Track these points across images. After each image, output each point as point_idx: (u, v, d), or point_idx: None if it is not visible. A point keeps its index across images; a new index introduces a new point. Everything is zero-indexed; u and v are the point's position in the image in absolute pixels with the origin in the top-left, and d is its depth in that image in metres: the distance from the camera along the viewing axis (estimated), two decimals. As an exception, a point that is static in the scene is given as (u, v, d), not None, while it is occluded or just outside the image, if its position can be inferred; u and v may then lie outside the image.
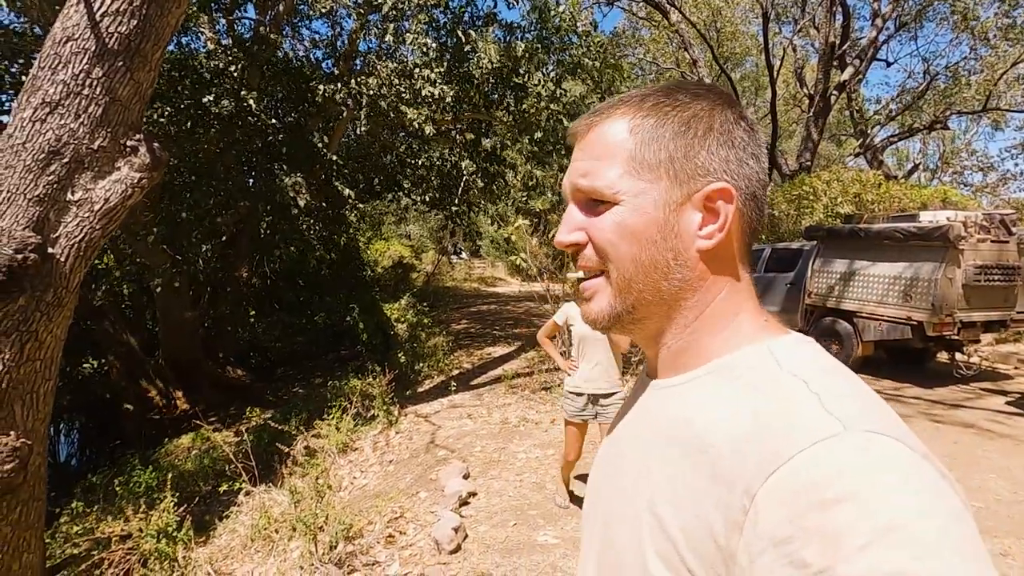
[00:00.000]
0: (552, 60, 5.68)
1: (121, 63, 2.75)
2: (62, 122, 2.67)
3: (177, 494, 3.48)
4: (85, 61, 2.67)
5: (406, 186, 9.50)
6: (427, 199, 8.56)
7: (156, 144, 3.00)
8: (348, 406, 4.92)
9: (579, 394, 3.10)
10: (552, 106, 5.93)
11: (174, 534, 2.72)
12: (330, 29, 8.06)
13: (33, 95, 2.67)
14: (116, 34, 2.70)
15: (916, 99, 16.72)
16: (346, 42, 7.63)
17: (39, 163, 2.63)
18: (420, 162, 8.38)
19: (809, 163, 13.70)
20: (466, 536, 2.90)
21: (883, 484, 0.41)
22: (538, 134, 5.67)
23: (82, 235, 2.78)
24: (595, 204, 0.59)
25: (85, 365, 7.61)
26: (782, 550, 0.41)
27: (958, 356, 6.90)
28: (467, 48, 5.39)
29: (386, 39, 5.39)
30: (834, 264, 6.89)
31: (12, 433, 2.67)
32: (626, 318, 0.60)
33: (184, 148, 5.35)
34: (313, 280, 7.57)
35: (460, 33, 5.33)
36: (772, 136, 14.50)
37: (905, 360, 7.18)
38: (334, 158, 6.17)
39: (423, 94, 5.20)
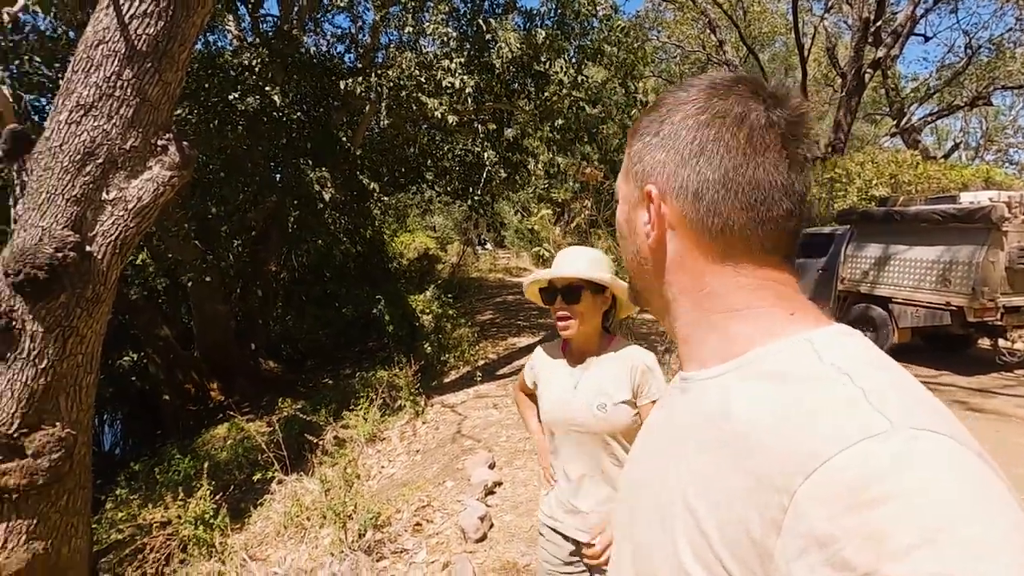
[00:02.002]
0: (573, 46, 5.62)
1: (150, 64, 2.81)
2: (96, 124, 2.75)
3: (213, 482, 3.61)
4: (116, 63, 2.74)
5: (429, 178, 9.55)
6: (449, 190, 8.60)
7: (185, 143, 3.07)
8: (375, 397, 5.00)
9: (555, 531, 1.63)
10: (575, 93, 5.86)
11: (211, 521, 2.83)
12: (351, 23, 8.13)
13: (68, 98, 2.75)
14: (144, 36, 2.76)
15: (957, 75, 16.00)
16: (368, 35, 7.68)
17: (75, 164, 2.72)
18: (443, 153, 8.41)
19: (842, 145, 13.28)
20: (492, 525, 2.93)
21: (930, 483, 0.39)
22: (559, 121, 5.63)
23: (117, 233, 2.86)
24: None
25: (125, 358, 7.90)
26: (824, 551, 0.40)
27: (1001, 343, 6.65)
28: (487, 37, 5.36)
29: (406, 30, 5.40)
30: (868, 248, 6.68)
31: (58, 424, 2.80)
32: (639, 300, 0.69)
33: (213, 145, 5.48)
34: (339, 273, 7.70)
35: (480, 22, 5.30)
36: (802, 117, 14.08)
37: (943, 347, 6.95)
38: (358, 152, 6.23)
39: (444, 84, 5.20)
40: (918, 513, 0.38)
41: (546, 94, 5.63)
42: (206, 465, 3.83)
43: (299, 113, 6.07)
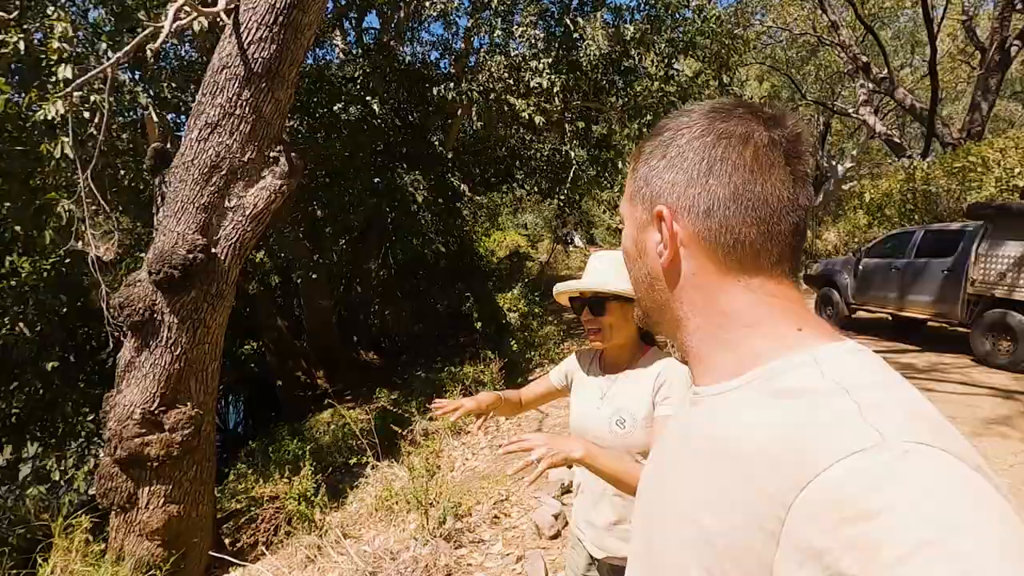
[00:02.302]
0: (664, 40, 5.46)
1: (264, 84, 3.12)
2: (220, 140, 3.10)
3: (315, 464, 3.94)
4: (236, 85, 3.07)
5: (519, 177, 9.72)
6: (538, 189, 8.69)
7: (293, 153, 3.37)
8: (462, 391, 5.19)
9: (579, 540, 1.58)
10: (665, 87, 5.70)
11: (312, 499, 3.12)
12: (444, 30, 8.44)
13: (198, 118, 3.13)
14: (260, 59, 3.07)
15: None
16: (461, 42, 7.94)
17: (204, 176, 3.09)
18: (532, 153, 8.51)
19: (980, 128, 11.75)
20: (566, 523, 2.96)
21: (922, 496, 0.40)
22: (648, 117, 5.50)
23: (237, 236, 3.21)
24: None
25: (245, 347, 8.76)
26: (820, 562, 0.41)
27: None
28: (575, 36, 5.36)
29: (496, 34, 5.53)
30: (1005, 247, 5.88)
31: (188, 404, 3.20)
32: (647, 321, 0.69)
33: (319, 154, 5.95)
34: (431, 271, 8.05)
35: (568, 21, 5.31)
36: (932, 100, 12.63)
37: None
38: (449, 154, 6.48)
39: (532, 85, 5.27)
40: (910, 525, 0.38)
41: (635, 90, 5.53)
42: (308, 448, 4.19)
43: (396, 120, 6.43)
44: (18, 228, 3.56)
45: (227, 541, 3.63)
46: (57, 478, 5.17)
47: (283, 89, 3.26)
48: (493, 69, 5.56)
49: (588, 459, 1.18)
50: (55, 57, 2.67)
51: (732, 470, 0.51)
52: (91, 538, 3.28)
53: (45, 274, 5.25)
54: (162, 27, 2.65)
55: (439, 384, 5.80)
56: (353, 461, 3.80)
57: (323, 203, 6.15)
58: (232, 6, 3.03)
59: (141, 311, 3.05)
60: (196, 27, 3.15)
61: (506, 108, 5.56)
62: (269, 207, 3.31)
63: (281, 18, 3.06)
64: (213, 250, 3.15)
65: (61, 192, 3.10)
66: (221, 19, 3.04)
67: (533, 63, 5.34)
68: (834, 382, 0.50)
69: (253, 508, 3.54)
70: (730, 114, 0.61)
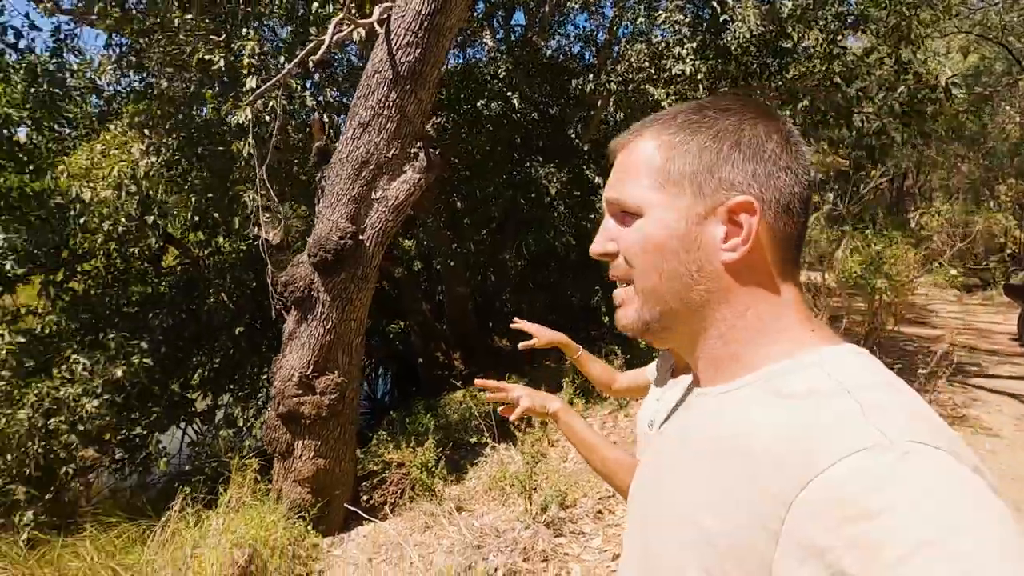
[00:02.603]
0: (829, 14, 4.86)
1: (408, 86, 3.39)
2: (370, 138, 3.44)
3: (443, 438, 4.24)
4: (385, 88, 3.38)
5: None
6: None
7: (431, 149, 3.63)
8: (576, 387, 5.21)
9: None
10: (832, 66, 5.10)
11: (432, 469, 3.38)
12: (588, 21, 8.40)
13: (353, 119, 3.50)
14: (406, 63, 3.34)
15: None
16: (605, 32, 7.84)
17: (355, 170, 3.45)
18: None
19: None
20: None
21: (923, 496, 0.40)
22: (805, 102, 4.95)
23: (381, 225, 3.55)
24: (625, 216, 0.62)
25: (393, 325, 9.62)
26: (821, 560, 0.41)
27: None
28: (723, 18, 5.02)
29: (638, 21, 5.38)
30: None
31: (336, 372, 3.63)
32: (654, 326, 0.62)
33: (462, 148, 6.31)
34: (562, 263, 8.13)
35: (715, 3, 4.99)
36: None
37: None
38: (585, 147, 6.48)
39: (674, 72, 5.05)
40: (911, 525, 0.39)
41: (791, 73, 5.01)
42: (437, 423, 4.51)
43: (534, 113, 6.58)
44: (216, 215, 4.32)
45: (364, 498, 4.06)
46: (241, 424, 6.18)
47: (425, 89, 3.51)
48: (633, 58, 5.42)
49: (562, 414, 1.20)
50: (245, 71, 3.19)
51: (738, 468, 0.51)
52: (259, 478, 3.87)
53: (241, 253, 6.27)
54: (325, 40, 3.00)
55: (562, 375, 5.87)
56: (475, 440, 4.03)
57: (463, 195, 6.52)
58: (385, 16, 3.32)
59: (302, 288, 3.51)
60: (356, 37, 3.50)
61: (648, 98, 5.39)
62: (409, 199, 3.60)
63: (426, 23, 3.30)
64: (360, 237, 3.51)
65: (248, 185, 3.69)
66: (375, 29, 3.35)
67: (676, 49, 5.11)
68: (838, 383, 0.50)
69: (385, 471, 3.93)
70: (767, 109, 0.61)
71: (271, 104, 3.30)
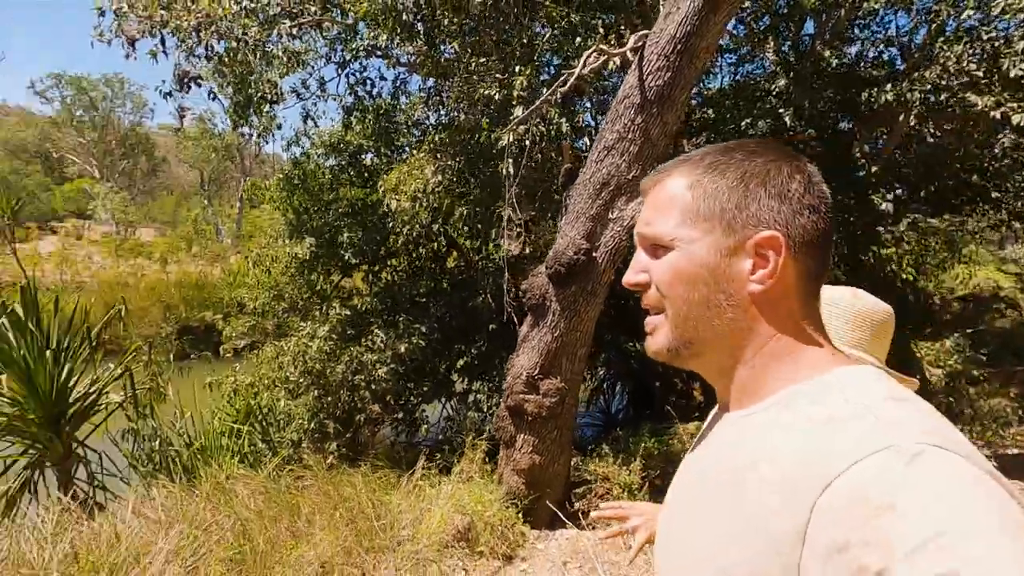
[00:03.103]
0: None
1: (655, 109, 3.44)
2: (612, 160, 3.60)
3: (650, 462, 4.14)
4: (632, 112, 3.50)
5: (996, 197, 7.32)
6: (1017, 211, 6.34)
7: (672, 172, 3.60)
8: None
9: None
10: None
11: (636, 492, 3.34)
12: (893, 20, 7.07)
13: (599, 142, 3.71)
14: (655, 87, 3.40)
15: None
16: (927, 29, 6.51)
17: (595, 191, 3.65)
18: (1011, 164, 6.28)
19: None
20: None
21: (938, 492, 0.42)
22: None
23: (614, 244, 3.67)
24: (656, 249, 0.67)
25: (629, 344, 9.65)
26: (842, 557, 0.44)
27: None
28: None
29: (964, 16, 4.31)
30: None
31: (558, 377, 3.88)
32: (684, 352, 0.66)
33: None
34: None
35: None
36: None
37: None
38: (874, 169, 5.48)
39: (1010, 75, 3.94)
40: (927, 518, 0.41)
41: None
42: (655, 449, 4.41)
43: (810, 130, 5.86)
44: (479, 226, 5.03)
45: (574, 503, 4.23)
46: (484, 410, 7.01)
47: (672, 112, 3.51)
48: (952, 61, 4.40)
49: None
50: (515, 102, 3.69)
51: (756, 494, 0.53)
52: (487, 459, 4.35)
53: (501, 260, 7.15)
54: (582, 69, 3.27)
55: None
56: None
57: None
58: (639, 44, 3.45)
59: (537, 297, 3.85)
60: (611, 65, 3.70)
61: (958, 109, 4.32)
62: (644, 220, 3.63)
63: (679, 46, 3.31)
64: (594, 254, 3.69)
65: (507, 202, 4.22)
66: (628, 57, 3.50)
67: (1020, 45, 3.98)
68: (856, 403, 0.53)
69: (595, 483, 4.03)
70: (784, 149, 0.64)
71: (531, 130, 3.73)
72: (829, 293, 1.20)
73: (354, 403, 5.69)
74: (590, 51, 3.15)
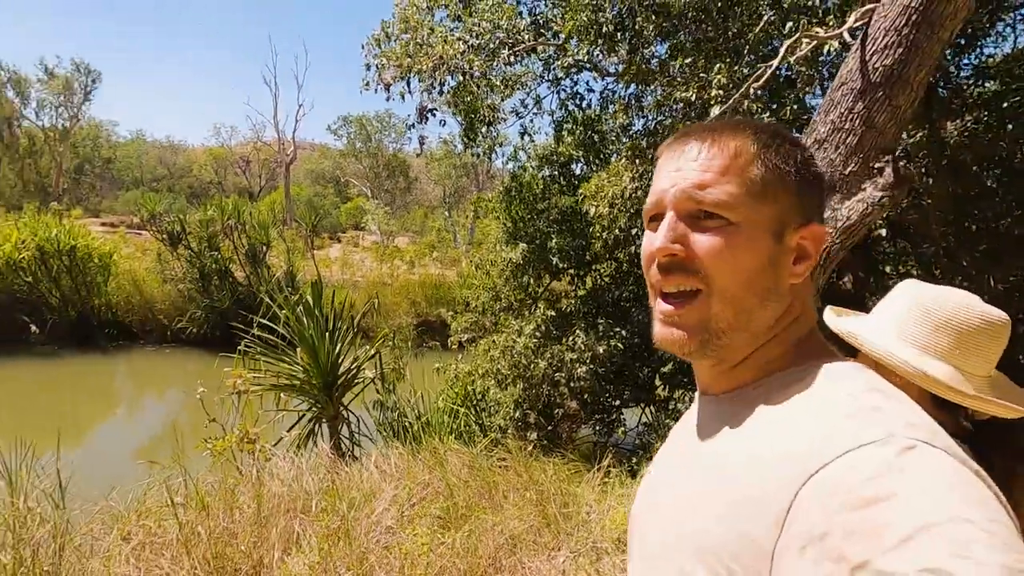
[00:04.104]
0: None
1: (881, 93, 3.02)
2: (824, 155, 3.25)
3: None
4: (850, 100, 3.12)
5: None
6: None
7: (902, 163, 3.11)
8: None
9: None
10: None
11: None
12: None
13: (809, 136, 3.37)
14: (880, 68, 2.99)
15: None
16: None
17: (803, 190, 3.33)
18: None
19: None
20: None
21: (922, 485, 0.42)
22: None
23: (826, 245, 3.31)
24: (703, 218, 0.59)
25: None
26: (822, 545, 0.43)
27: None
28: None
29: None
30: None
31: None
32: (714, 343, 0.60)
33: (996, 156, 4.82)
34: None
35: None
36: None
37: None
38: None
39: None
40: (910, 511, 0.41)
41: None
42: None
43: None
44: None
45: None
46: (686, 421, 6.77)
47: (905, 93, 3.05)
48: None
49: None
50: (712, 102, 3.56)
51: (744, 478, 0.53)
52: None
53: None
54: (785, 58, 3.04)
55: None
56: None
57: (986, 216, 4.98)
58: (859, 23, 3.08)
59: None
60: (828, 48, 3.37)
61: None
62: (864, 220, 3.21)
63: (914, 17, 2.87)
64: (798, 258, 3.37)
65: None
66: (846, 39, 3.15)
67: None
68: (843, 390, 0.54)
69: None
70: (802, 141, 0.68)
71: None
72: (918, 290, 1.11)
73: (553, 398, 6.05)
74: (793, 38, 2.91)
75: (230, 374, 4.99)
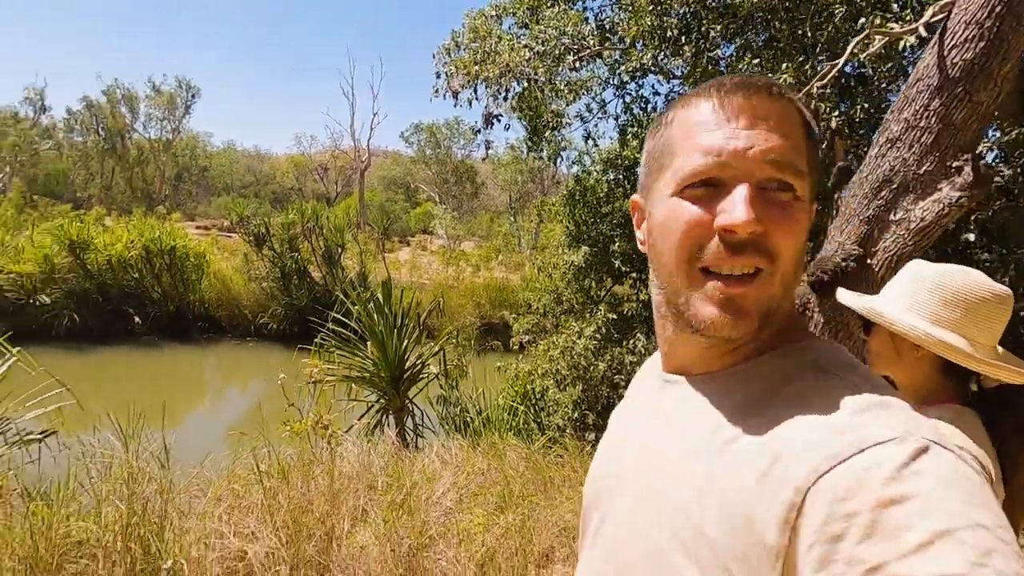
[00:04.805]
0: None
1: (960, 89, 2.90)
2: (897, 154, 3.14)
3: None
4: (926, 96, 3.01)
5: None
6: None
7: (983, 162, 2.95)
8: None
9: None
10: None
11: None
12: None
13: (881, 135, 3.27)
14: (959, 62, 2.88)
15: None
16: None
17: (873, 190, 3.23)
18: None
19: None
20: None
21: (939, 489, 0.41)
22: None
23: (896, 249, 3.19)
24: (779, 193, 0.53)
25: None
26: (835, 546, 0.41)
27: None
28: None
29: None
30: None
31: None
32: (766, 326, 0.56)
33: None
34: None
35: None
36: None
37: None
38: None
39: None
40: (929, 516, 0.40)
41: None
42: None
43: None
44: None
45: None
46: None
47: (987, 89, 2.91)
48: None
49: None
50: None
51: (746, 465, 0.50)
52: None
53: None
54: (855, 55, 2.98)
55: None
56: None
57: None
58: (936, 17, 2.97)
59: (797, 306, 3.60)
60: (903, 44, 3.26)
61: None
62: (939, 221, 3.08)
63: (998, 8, 2.74)
64: (868, 261, 3.28)
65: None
66: (922, 33, 3.04)
67: None
68: (837, 377, 0.53)
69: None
70: None
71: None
72: (922, 269, 1.19)
73: (613, 400, 6.06)
74: (863, 35, 2.84)
75: (307, 364, 5.38)
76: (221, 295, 15.70)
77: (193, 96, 38.58)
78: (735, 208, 0.51)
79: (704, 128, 0.54)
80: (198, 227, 26.58)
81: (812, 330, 3.54)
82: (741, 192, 0.52)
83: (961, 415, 1.13)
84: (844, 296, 1.38)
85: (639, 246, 0.65)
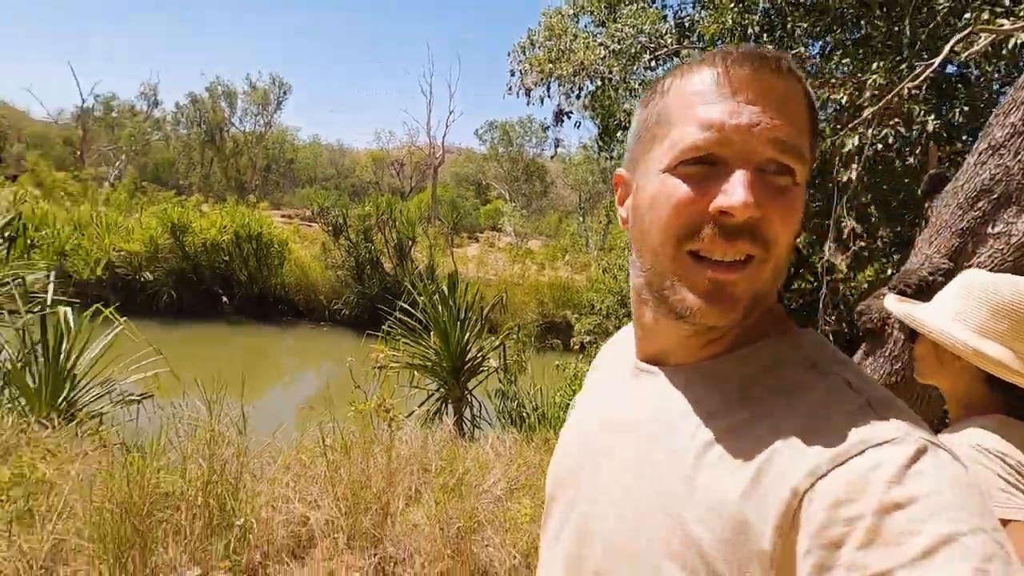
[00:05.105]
0: None
1: (1078, 91, 2.63)
2: (999, 162, 2.90)
3: None
4: (1038, 99, 2.75)
5: None
6: None
7: (1103, 172, 2.67)
8: None
9: None
10: None
11: None
12: None
13: (982, 141, 3.02)
14: (1080, 62, 2.61)
15: None
16: None
17: (969, 200, 2.99)
18: None
19: None
20: None
21: (942, 491, 0.40)
22: None
23: (991, 265, 2.94)
24: (778, 177, 0.50)
25: None
26: (835, 552, 0.40)
27: None
28: None
29: None
30: None
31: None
32: (753, 312, 0.53)
33: None
34: None
35: None
36: None
37: None
38: None
39: None
40: (932, 521, 0.39)
41: None
42: None
43: None
44: (815, 238, 4.58)
45: None
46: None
47: (1112, 91, 2.63)
48: None
49: None
50: (866, 103, 3.30)
51: (735, 464, 0.48)
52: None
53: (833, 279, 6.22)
54: (955, 54, 2.78)
55: None
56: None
57: None
58: (1054, 10, 2.72)
59: (875, 320, 3.39)
60: (1012, 43, 3.02)
61: None
62: (1046, 236, 2.82)
63: None
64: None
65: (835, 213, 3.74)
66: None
67: None
68: (830, 371, 0.52)
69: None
70: None
71: (884, 132, 3.27)
72: (975, 277, 1.15)
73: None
74: (965, 32, 2.63)
75: (374, 350, 5.63)
76: (300, 281, 16.67)
77: (284, 92, 41.03)
78: (735, 190, 0.48)
79: (705, 99, 0.50)
80: (283, 216, 28.21)
81: (892, 347, 3.34)
82: (742, 174, 0.48)
83: (1005, 425, 1.08)
84: (890, 301, 1.37)
85: (620, 224, 0.60)
